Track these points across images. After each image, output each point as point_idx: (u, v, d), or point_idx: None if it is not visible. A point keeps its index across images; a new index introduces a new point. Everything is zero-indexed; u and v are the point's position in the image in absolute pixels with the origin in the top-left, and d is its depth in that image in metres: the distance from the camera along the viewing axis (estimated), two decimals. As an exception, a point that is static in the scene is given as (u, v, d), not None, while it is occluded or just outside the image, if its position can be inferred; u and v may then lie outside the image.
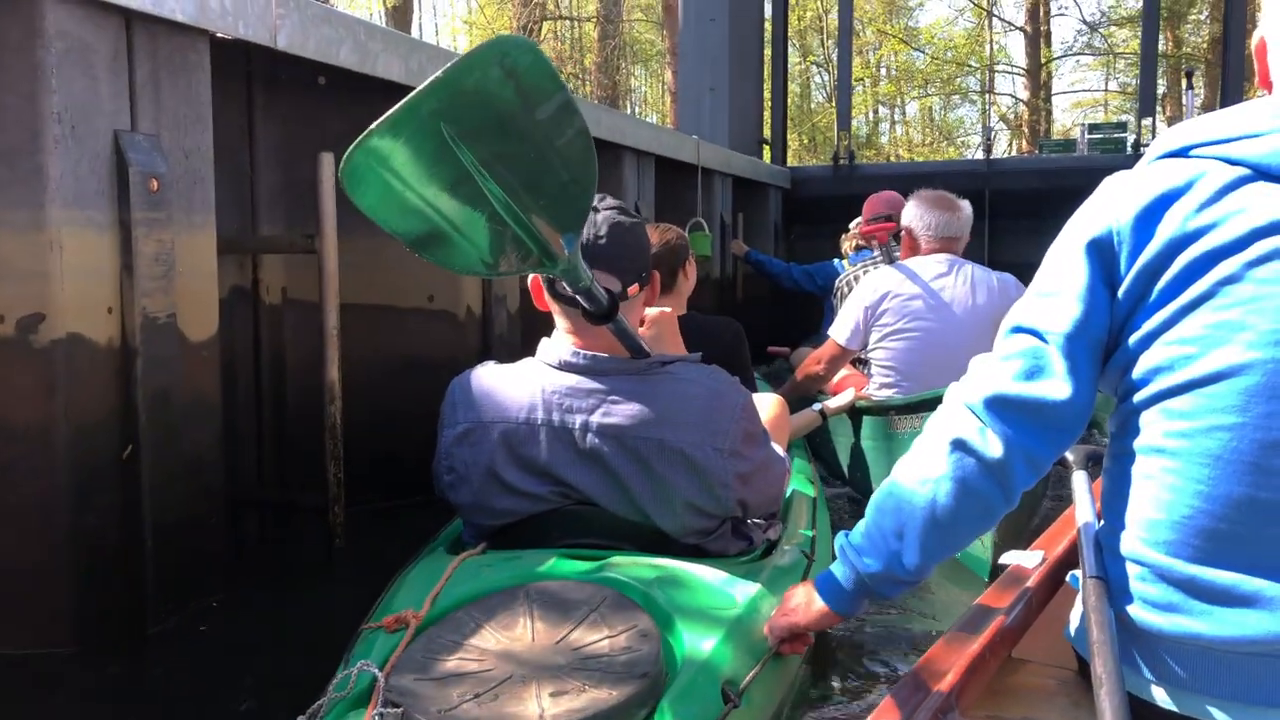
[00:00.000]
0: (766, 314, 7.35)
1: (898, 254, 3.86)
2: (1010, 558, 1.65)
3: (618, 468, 1.67)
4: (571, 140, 1.40)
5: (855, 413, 3.61)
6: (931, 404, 3.01)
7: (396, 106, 1.29)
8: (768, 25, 10.08)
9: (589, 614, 1.36)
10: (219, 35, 2.56)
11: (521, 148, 1.38)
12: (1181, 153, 1.14)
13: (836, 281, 4.54)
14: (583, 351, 1.71)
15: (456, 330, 3.65)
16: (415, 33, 20.14)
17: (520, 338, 3.96)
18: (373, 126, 1.29)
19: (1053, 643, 1.43)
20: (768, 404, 2.48)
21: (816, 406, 3.53)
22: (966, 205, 3.66)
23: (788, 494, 2.77)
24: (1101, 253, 1.13)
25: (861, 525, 1.32)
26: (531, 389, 1.72)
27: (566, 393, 1.69)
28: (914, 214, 3.65)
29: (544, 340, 1.80)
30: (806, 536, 2.09)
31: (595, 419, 1.67)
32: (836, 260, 5.97)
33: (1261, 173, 1.08)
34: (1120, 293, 1.12)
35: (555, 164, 1.41)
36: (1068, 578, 1.44)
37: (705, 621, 1.44)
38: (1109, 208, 1.15)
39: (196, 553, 2.50)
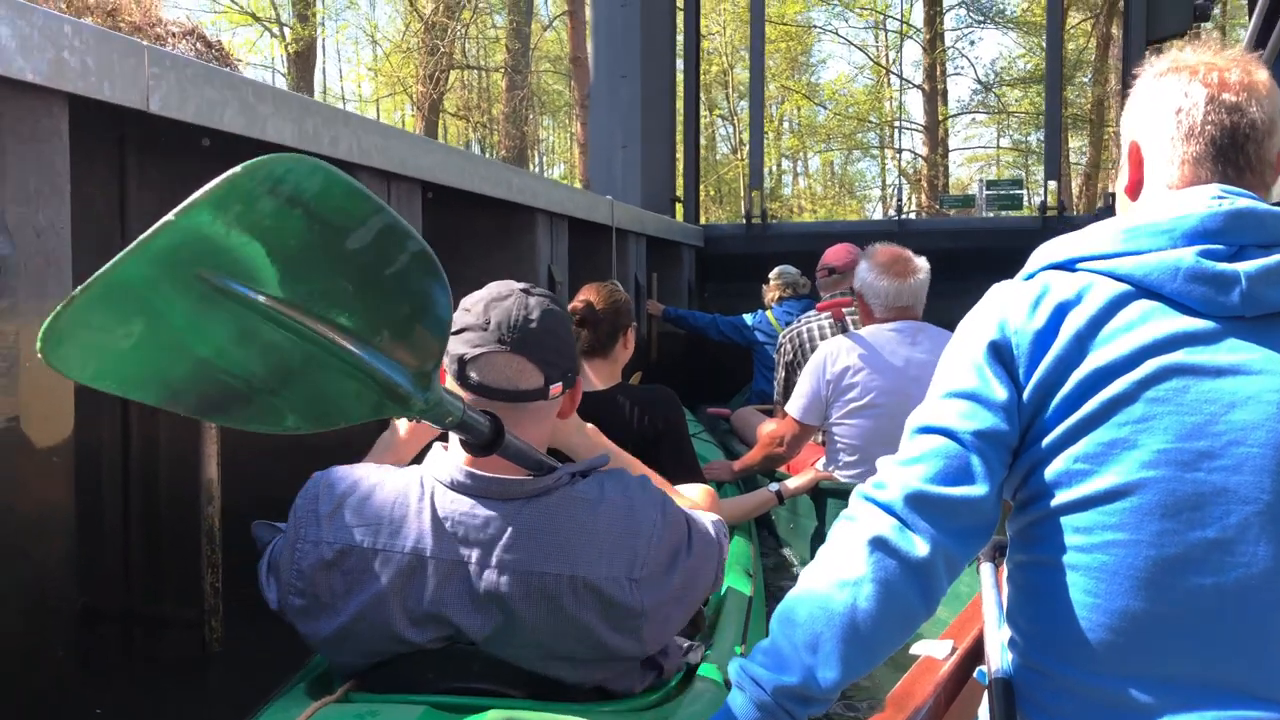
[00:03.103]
0: (682, 373, 7.20)
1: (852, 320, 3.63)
2: (921, 648, 1.66)
3: (522, 610, 1.41)
4: (406, 267, 1.12)
5: (818, 494, 3.31)
6: None
7: (110, 264, 0.98)
8: (679, 81, 10.04)
9: None
10: (81, 96, 2.25)
11: (336, 284, 1.09)
12: (1067, 265, 1.17)
13: (781, 336, 4.32)
14: (478, 473, 1.44)
15: (354, 414, 3.35)
16: (318, 79, 19.69)
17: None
18: (78, 293, 0.96)
19: None
20: (692, 496, 2.24)
21: (773, 487, 3.20)
22: (923, 265, 3.36)
23: (720, 592, 2.51)
24: (1002, 357, 1.15)
25: (765, 643, 1.21)
26: (420, 512, 1.45)
27: (461, 520, 1.43)
28: (864, 280, 3.35)
29: (435, 449, 1.53)
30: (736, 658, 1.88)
31: (496, 554, 1.41)
32: (760, 311, 5.87)
33: (1146, 290, 1.11)
34: (1023, 398, 1.14)
35: (389, 297, 1.13)
36: (975, 673, 1.45)
37: None
38: (1003, 314, 1.17)
39: (39, 685, 2.13)
